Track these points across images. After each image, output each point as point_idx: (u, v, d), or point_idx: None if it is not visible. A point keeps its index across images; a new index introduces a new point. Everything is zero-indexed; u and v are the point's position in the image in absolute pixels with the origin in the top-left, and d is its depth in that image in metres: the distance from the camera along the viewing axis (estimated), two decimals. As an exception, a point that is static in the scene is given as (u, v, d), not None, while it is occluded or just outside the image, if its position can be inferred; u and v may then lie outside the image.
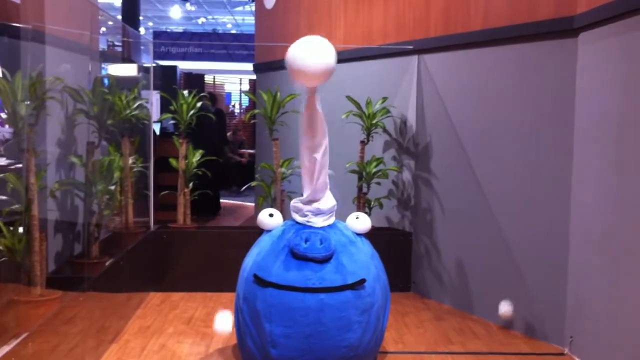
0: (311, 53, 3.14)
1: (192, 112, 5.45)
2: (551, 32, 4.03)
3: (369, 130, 5.16)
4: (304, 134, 3.40)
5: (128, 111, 4.90)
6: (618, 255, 3.40)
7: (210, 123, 7.49)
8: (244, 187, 5.84)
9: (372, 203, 5.18)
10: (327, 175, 3.52)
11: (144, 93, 5.49)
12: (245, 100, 17.75)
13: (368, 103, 5.14)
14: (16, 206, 3.57)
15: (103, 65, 6.21)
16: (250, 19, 22.49)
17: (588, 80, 3.80)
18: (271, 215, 3.72)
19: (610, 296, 3.48)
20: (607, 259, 3.52)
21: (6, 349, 3.00)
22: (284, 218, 3.80)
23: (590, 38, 3.76)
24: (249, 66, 10.40)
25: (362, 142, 5.19)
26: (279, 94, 5.10)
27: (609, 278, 3.49)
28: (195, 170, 5.46)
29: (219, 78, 17.01)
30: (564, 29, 3.94)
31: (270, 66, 7.27)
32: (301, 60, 3.13)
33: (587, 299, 3.76)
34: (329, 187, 3.59)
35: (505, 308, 4.35)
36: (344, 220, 3.75)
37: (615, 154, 3.46)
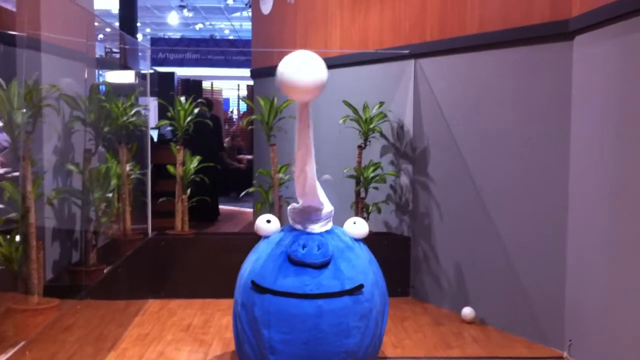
0: (302, 68, 3.07)
1: (189, 118, 5.45)
2: (547, 35, 4.04)
3: (366, 135, 5.16)
4: (296, 147, 3.38)
5: (125, 118, 4.90)
6: (617, 258, 3.39)
7: (207, 129, 7.49)
8: (242, 193, 5.83)
9: (370, 208, 5.18)
10: (317, 185, 3.50)
11: (141, 100, 5.50)
12: (243, 106, 17.77)
13: (365, 108, 5.14)
14: (13, 214, 3.56)
15: (100, 72, 6.21)
16: (248, 25, 22.52)
17: (584, 82, 3.80)
18: (269, 221, 3.72)
19: (609, 300, 3.47)
20: (606, 262, 3.51)
21: (4, 357, 2.99)
22: (282, 224, 3.80)
23: (586, 41, 3.76)
24: (246, 72, 10.41)
25: (359, 146, 5.19)
26: (276, 99, 5.10)
27: (608, 281, 3.49)
28: (193, 176, 5.46)
29: (217, 84, 17.04)
30: (559, 32, 3.94)
31: (267, 72, 7.27)
32: (292, 75, 3.06)
33: (586, 303, 3.76)
34: (321, 194, 3.58)
35: (467, 312, 4.57)
36: (342, 226, 3.75)
37: (612, 156, 3.46)
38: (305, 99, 3.19)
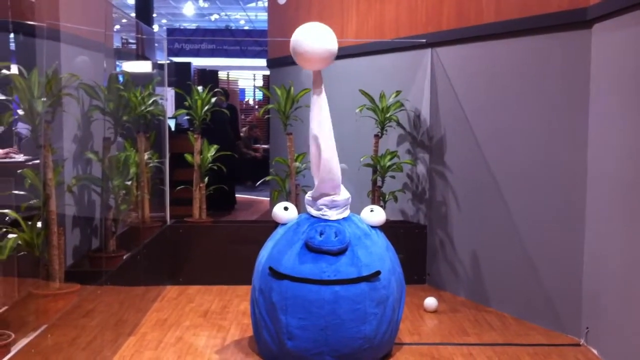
0: (314, 38, 3.37)
1: (206, 107, 5.49)
2: (564, 23, 4.02)
3: (382, 124, 5.16)
4: (312, 120, 3.55)
5: (143, 107, 4.94)
6: (635, 246, 3.39)
7: (224, 119, 7.52)
8: (259, 182, 5.86)
9: (387, 196, 5.20)
10: (336, 166, 3.55)
11: (158, 89, 5.53)
12: (260, 96, 17.79)
13: (382, 97, 5.14)
14: (34, 201, 3.61)
15: (118, 63, 6.25)
16: (263, 15, 22.51)
17: (602, 71, 3.79)
18: (286, 208, 3.74)
19: (626, 287, 3.47)
20: (623, 249, 3.51)
21: (25, 341, 3.05)
22: (299, 211, 3.83)
23: (604, 29, 3.74)
24: (262, 62, 10.43)
25: (376, 135, 5.20)
26: (292, 88, 5.12)
27: (625, 269, 3.49)
28: (210, 165, 5.50)
29: (233, 74, 17.06)
30: (577, 20, 3.93)
31: (283, 61, 7.29)
32: (306, 45, 3.36)
33: (602, 291, 3.76)
34: (340, 178, 3.60)
35: (430, 302, 4.60)
36: (359, 214, 3.77)
37: (631, 145, 3.44)
38: (319, 68, 3.49)
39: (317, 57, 3.38)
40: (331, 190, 3.58)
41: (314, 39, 3.37)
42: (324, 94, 3.54)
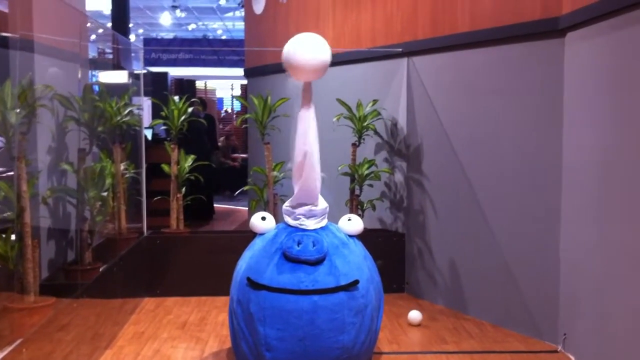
0: (308, 49, 3.29)
1: (183, 117, 5.47)
2: (538, 32, 4.07)
3: (360, 133, 5.18)
4: (298, 126, 3.49)
5: (119, 118, 4.90)
6: (610, 252, 3.42)
7: (201, 128, 7.50)
8: (237, 192, 5.85)
9: (365, 205, 5.20)
10: (318, 176, 3.54)
11: (135, 99, 5.50)
12: (237, 106, 17.77)
13: (359, 105, 5.16)
14: (8, 214, 3.56)
15: (93, 73, 6.20)
16: (240, 25, 22.51)
17: (576, 79, 3.83)
18: (264, 218, 3.73)
19: (603, 293, 3.50)
20: (600, 256, 3.54)
21: (0, 355, 3.00)
22: (277, 221, 3.82)
23: (577, 38, 3.79)
24: (239, 71, 10.42)
25: (353, 144, 5.21)
26: (269, 98, 5.12)
27: (602, 275, 3.52)
28: (187, 175, 5.47)
29: (211, 84, 17.03)
30: (550, 29, 3.97)
31: (260, 71, 7.29)
32: (299, 56, 3.27)
33: (580, 297, 3.79)
34: (319, 189, 3.59)
35: (414, 315, 4.52)
36: (337, 223, 3.77)
37: (604, 151, 3.49)
38: (312, 79, 3.41)
39: (310, 68, 3.31)
40: (310, 200, 3.58)
41: (307, 49, 3.30)
42: (312, 106, 3.49)
